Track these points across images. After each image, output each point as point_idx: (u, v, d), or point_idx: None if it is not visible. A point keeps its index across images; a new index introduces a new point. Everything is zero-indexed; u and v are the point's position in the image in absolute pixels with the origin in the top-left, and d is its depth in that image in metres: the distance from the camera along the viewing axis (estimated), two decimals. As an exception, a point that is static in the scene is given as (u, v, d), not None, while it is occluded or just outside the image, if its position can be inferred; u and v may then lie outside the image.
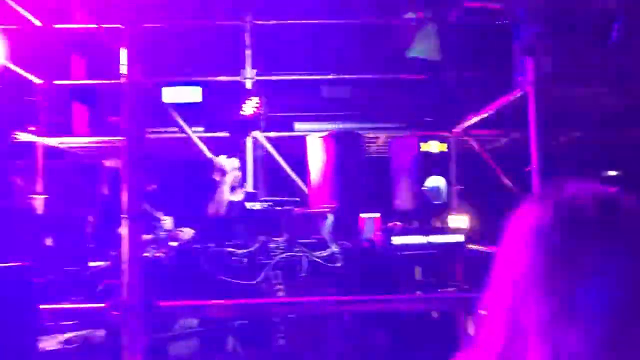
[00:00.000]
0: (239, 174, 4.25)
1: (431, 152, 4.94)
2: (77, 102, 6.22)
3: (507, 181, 5.34)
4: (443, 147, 4.89)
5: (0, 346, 1.38)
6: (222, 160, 4.27)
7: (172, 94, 6.20)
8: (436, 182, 4.83)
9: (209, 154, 5.08)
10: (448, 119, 5.66)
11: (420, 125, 5.79)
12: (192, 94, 6.17)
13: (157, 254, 2.97)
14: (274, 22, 5.83)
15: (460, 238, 4.47)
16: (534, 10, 3.86)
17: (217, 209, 4.10)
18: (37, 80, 5.41)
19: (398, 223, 4.53)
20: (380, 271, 3.83)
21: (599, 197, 0.74)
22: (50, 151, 5.72)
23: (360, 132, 5.70)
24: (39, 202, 5.50)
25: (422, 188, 4.79)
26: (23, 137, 5.36)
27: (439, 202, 4.77)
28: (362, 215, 4.33)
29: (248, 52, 5.54)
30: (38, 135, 5.48)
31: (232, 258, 3.14)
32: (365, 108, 6.77)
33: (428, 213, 4.74)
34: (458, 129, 5.72)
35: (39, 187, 5.50)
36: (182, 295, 3.13)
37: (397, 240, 4.17)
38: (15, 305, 1.47)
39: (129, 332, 1.85)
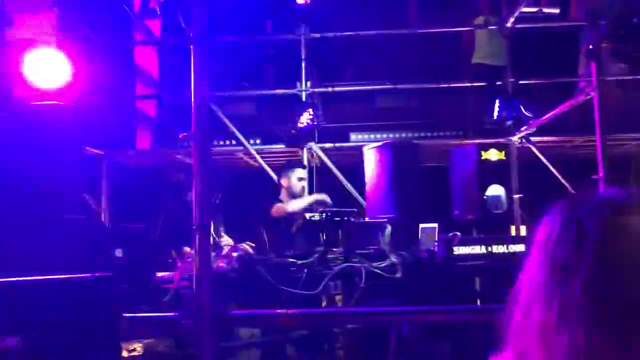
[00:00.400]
0: (303, 184, 4.29)
1: (491, 160, 4.84)
2: (142, 116, 6.46)
3: (571, 189, 5.18)
4: (502, 155, 4.78)
5: (87, 355, 1.45)
6: (287, 171, 4.34)
7: (230, 107, 6.35)
8: (497, 190, 4.73)
9: (266, 166, 5.17)
10: (507, 125, 5.55)
11: (479, 133, 5.70)
12: (248, 107, 6.31)
13: (219, 265, 3.03)
14: (329, 34, 5.88)
15: (522, 248, 4.35)
16: (597, 13, 3.75)
17: (278, 218, 4.15)
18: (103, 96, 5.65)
19: (458, 233, 4.46)
20: (440, 282, 3.77)
21: (604, 209, 0.78)
22: (115, 165, 5.96)
23: (417, 141, 5.67)
24: (106, 214, 5.74)
25: (483, 197, 4.70)
26: (90, 151, 5.60)
27: (500, 212, 4.67)
28: (421, 225, 4.28)
29: (303, 65, 5.60)
30: (104, 150, 5.71)
31: (292, 269, 3.16)
32: (422, 117, 6.72)
33: (489, 222, 4.65)
34: (518, 135, 5.59)
35: (106, 200, 5.74)
36: (244, 305, 3.19)
37: (457, 250, 4.10)
38: (99, 315, 1.54)
39: (199, 341, 1.90)
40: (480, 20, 6.17)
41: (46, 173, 3.07)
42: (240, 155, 5.96)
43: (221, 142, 5.87)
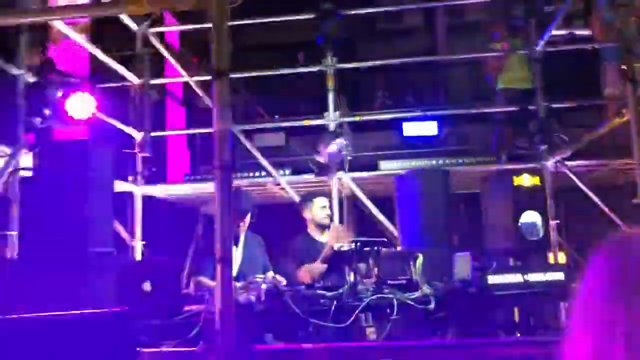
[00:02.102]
0: (327, 213, 4.24)
1: (524, 186, 4.73)
2: (173, 150, 6.55)
3: (610, 214, 5.00)
4: (537, 180, 4.66)
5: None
6: (308, 203, 4.30)
7: (259, 140, 6.40)
8: (532, 217, 4.60)
9: (296, 196, 5.15)
10: (541, 150, 5.43)
11: (511, 159, 5.59)
12: (276, 139, 6.34)
13: (248, 296, 2.99)
14: (356, 64, 5.90)
15: (560, 276, 4.20)
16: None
17: (306, 250, 4.11)
18: (135, 132, 5.76)
19: (493, 262, 4.34)
20: (475, 312, 3.65)
21: None
22: (147, 199, 6.03)
23: (448, 168, 5.58)
24: (138, 247, 5.79)
25: (517, 224, 4.58)
26: (123, 186, 5.69)
27: (536, 238, 4.53)
28: (454, 254, 4.18)
29: (330, 95, 5.62)
30: (136, 184, 5.80)
31: (321, 300, 3.10)
32: (452, 143, 6.65)
33: (524, 250, 4.51)
34: (552, 160, 5.46)
35: (138, 233, 5.80)
36: (272, 337, 3.14)
37: (492, 279, 3.97)
38: (115, 351, 1.52)
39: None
40: (497, 45, 6.14)
41: (77, 207, 3.12)
42: (270, 186, 5.97)
43: (251, 174, 5.90)
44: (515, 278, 4.11)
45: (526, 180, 4.79)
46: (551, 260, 4.68)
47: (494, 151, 6.08)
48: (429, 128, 7.08)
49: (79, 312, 1.52)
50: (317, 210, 4.24)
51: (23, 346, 1.46)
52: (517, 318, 4.13)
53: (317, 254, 4.01)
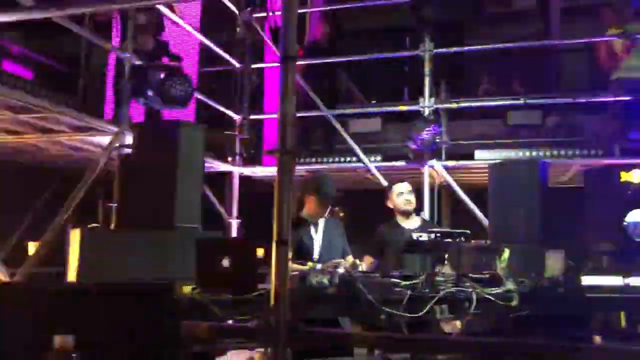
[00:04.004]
0: (407, 199, 4.16)
1: (633, 183, 4.37)
2: (270, 132, 6.74)
3: None
4: (646, 176, 4.28)
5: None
6: (389, 192, 4.25)
7: (353, 125, 6.40)
8: (638, 216, 4.25)
9: (385, 183, 5.10)
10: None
11: (620, 152, 5.17)
12: (372, 124, 6.31)
13: (320, 280, 3.03)
14: (454, 49, 5.71)
15: (669, 282, 3.85)
16: None
17: (390, 236, 4.07)
18: (234, 114, 5.99)
19: (590, 262, 4.07)
20: (563, 314, 3.44)
21: None
22: (244, 179, 6.27)
23: (549, 160, 5.28)
24: (234, 225, 6.06)
25: (622, 223, 4.25)
26: (222, 166, 5.95)
27: (642, 240, 4.18)
28: (547, 251, 3.96)
29: (426, 80, 5.49)
30: (234, 165, 6.04)
31: (396, 289, 3.07)
32: (557, 134, 6.27)
33: (628, 252, 4.18)
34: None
35: (235, 212, 6.06)
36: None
37: (586, 280, 3.72)
38: (158, 323, 1.59)
39: (273, 354, 1.91)
40: (613, 30, 5.63)
41: (166, 184, 3.31)
42: (362, 172, 5.97)
43: (342, 159, 5.93)
44: (615, 281, 3.82)
45: (635, 177, 4.42)
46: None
47: (606, 144, 5.65)
48: (535, 117, 6.72)
49: (122, 283, 1.63)
50: (396, 197, 4.18)
51: (65, 313, 1.56)
52: (618, 324, 3.86)
53: (400, 240, 3.98)
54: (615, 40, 5.65)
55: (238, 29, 5.97)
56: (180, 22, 5.25)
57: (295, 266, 3.52)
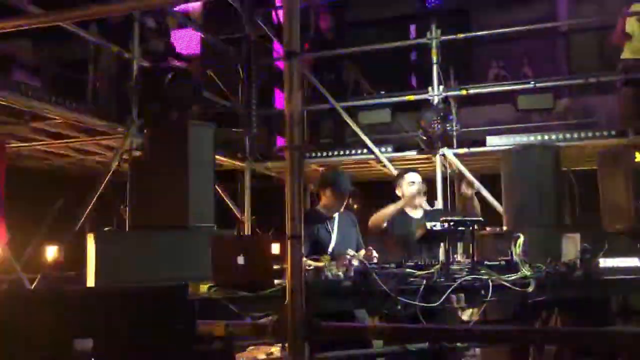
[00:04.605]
0: (417, 188, 4.13)
1: (648, 163, 4.33)
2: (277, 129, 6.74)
3: None
4: (661, 156, 4.24)
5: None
6: (399, 180, 4.22)
7: (365, 116, 6.38)
8: (654, 196, 4.21)
9: (395, 173, 5.08)
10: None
11: (634, 133, 5.11)
12: (382, 115, 6.28)
13: (336, 273, 3.03)
14: (462, 35, 5.67)
15: (686, 262, 3.80)
16: None
17: (379, 222, 4.05)
18: (242, 111, 6.01)
19: (606, 245, 4.02)
20: (581, 297, 3.42)
21: None
22: (255, 175, 6.28)
23: (562, 143, 5.23)
24: (247, 223, 6.08)
25: (637, 204, 4.21)
26: (231, 163, 5.98)
27: (659, 220, 4.14)
28: (563, 235, 3.93)
29: (435, 68, 5.45)
30: (244, 161, 6.06)
31: (411, 279, 3.06)
32: (569, 116, 6.21)
33: (645, 232, 4.14)
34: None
35: (247, 207, 6.08)
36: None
37: (603, 263, 3.69)
38: (173, 323, 1.61)
39: (290, 349, 1.92)
40: (638, 6, 5.53)
41: (178, 185, 3.33)
42: (373, 163, 5.95)
43: (354, 151, 5.92)
44: (632, 262, 3.79)
45: (650, 156, 4.37)
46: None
47: (620, 124, 5.59)
48: (546, 101, 6.65)
49: (137, 284, 1.65)
50: (406, 187, 4.15)
51: (80, 316, 1.58)
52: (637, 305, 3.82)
53: (411, 229, 3.96)
54: (630, 20, 5.57)
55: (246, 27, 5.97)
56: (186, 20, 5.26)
57: (310, 261, 3.53)
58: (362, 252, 3.84)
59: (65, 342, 1.40)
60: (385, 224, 4.01)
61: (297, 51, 1.95)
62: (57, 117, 4.07)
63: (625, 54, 5.59)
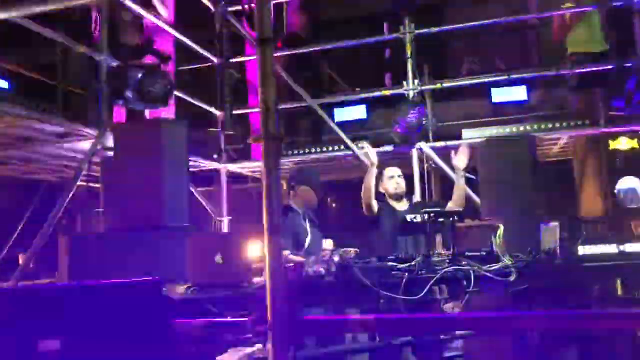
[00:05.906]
0: (396, 182, 4.13)
1: (622, 150, 4.38)
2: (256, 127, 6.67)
3: None
4: (635, 143, 4.29)
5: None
6: (380, 172, 4.22)
7: (339, 114, 6.35)
8: (630, 183, 4.26)
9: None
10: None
11: (606, 121, 5.16)
12: (357, 112, 6.26)
13: (317, 270, 2.99)
14: (435, 29, 5.66)
15: (664, 247, 3.85)
16: None
17: (367, 200, 4.05)
18: (217, 111, 5.92)
19: (584, 232, 4.06)
20: (561, 285, 3.43)
21: None
22: (233, 176, 6.21)
23: (537, 134, 5.26)
24: (225, 223, 5.99)
25: (614, 191, 4.26)
26: (208, 164, 5.89)
27: (635, 206, 4.19)
28: (541, 224, 3.95)
29: (409, 63, 5.44)
30: (221, 162, 5.98)
31: (393, 272, 3.03)
32: (542, 108, 6.26)
33: (621, 218, 4.19)
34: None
35: (225, 209, 6.00)
36: (340, 310, 3.12)
37: (582, 250, 3.71)
38: (149, 320, 1.55)
39: (273, 346, 1.87)
40: (568, 4, 5.58)
41: (152, 184, 3.25)
42: (350, 160, 5.93)
43: (330, 148, 5.89)
44: (610, 249, 3.82)
45: (624, 144, 4.44)
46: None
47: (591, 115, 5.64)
48: (519, 93, 6.69)
49: (115, 281, 1.58)
50: (387, 181, 4.15)
51: (50, 314, 1.51)
52: (615, 291, 3.85)
53: (397, 222, 3.95)
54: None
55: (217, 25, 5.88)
56: (155, 20, 5.16)
57: (291, 257, 3.49)
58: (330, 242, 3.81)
59: (32, 344, 1.32)
60: (375, 206, 4.01)
61: (270, 37, 1.90)
62: (26, 120, 3.95)
63: (574, 48, 5.60)
